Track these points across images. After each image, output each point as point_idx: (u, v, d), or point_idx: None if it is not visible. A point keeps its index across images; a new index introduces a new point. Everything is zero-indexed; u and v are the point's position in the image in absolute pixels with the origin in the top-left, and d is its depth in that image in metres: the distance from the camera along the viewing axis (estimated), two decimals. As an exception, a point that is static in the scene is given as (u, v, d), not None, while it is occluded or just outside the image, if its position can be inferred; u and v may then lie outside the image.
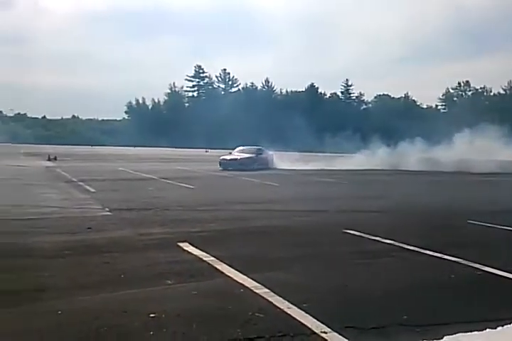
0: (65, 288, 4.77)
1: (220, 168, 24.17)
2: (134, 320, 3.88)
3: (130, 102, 77.82)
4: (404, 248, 6.69)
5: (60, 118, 78.29)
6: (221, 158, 25.59)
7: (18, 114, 77.17)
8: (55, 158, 28.84)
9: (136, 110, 77.28)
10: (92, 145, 50.09)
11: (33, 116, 77.24)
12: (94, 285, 4.86)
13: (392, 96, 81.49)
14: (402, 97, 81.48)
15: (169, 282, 4.96)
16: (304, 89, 79.00)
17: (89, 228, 7.81)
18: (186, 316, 3.99)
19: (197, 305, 4.29)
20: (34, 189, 13.59)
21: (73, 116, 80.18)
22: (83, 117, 79.31)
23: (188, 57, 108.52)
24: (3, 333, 3.66)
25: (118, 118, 79.02)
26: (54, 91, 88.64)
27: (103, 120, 78.81)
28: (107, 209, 9.97)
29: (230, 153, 26.58)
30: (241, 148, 27.14)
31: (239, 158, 25.18)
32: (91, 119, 78.98)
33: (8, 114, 75.79)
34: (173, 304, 4.28)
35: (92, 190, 13.43)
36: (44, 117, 77.96)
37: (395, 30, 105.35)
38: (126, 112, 78.93)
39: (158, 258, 5.94)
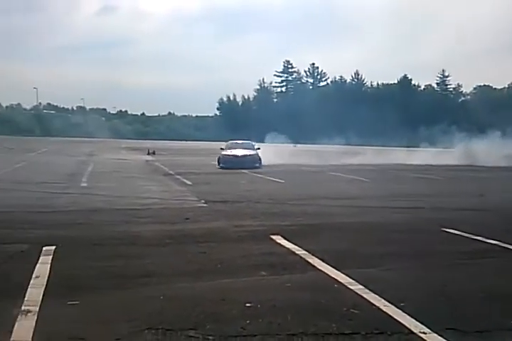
0: (166, 275, 5.08)
1: (220, 166, 20.72)
2: (232, 309, 4.03)
3: (222, 99, 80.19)
4: (510, 249, 6.25)
5: (157, 115, 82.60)
6: (223, 153, 21.36)
7: (120, 111, 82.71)
8: (154, 153, 30.48)
9: (227, 106, 79.32)
10: (186, 140, 52.34)
11: (133, 113, 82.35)
12: (193, 274, 5.11)
13: (493, 87, 75.74)
14: (505, 88, 75.44)
15: (263, 273, 5.09)
16: (396, 81, 76.12)
17: (187, 218, 8.22)
18: (281, 307, 4.07)
19: (291, 297, 4.35)
20: (136, 181, 14.54)
21: (169, 113, 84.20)
22: (178, 114, 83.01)
23: (277, 53, 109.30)
24: (116, 313, 3.99)
25: (210, 115, 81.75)
26: (152, 90, 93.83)
27: (197, 116, 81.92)
28: (202, 201, 10.41)
29: (222, 149, 22.20)
30: (238, 142, 23.28)
31: (248, 154, 21.34)
32: (186, 116, 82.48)
33: (111, 112, 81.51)
34: (268, 295, 4.39)
35: (189, 183, 14.06)
36: (143, 114, 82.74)
37: (495, 16, 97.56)
38: (217, 109, 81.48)
39: (252, 249, 6.11)
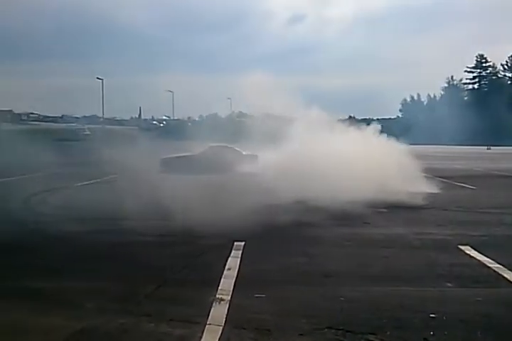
0: (347, 276, 5.14)
1: None
2: (414, 317, 3.90)
3: (405, 99, 77.19)
4: None
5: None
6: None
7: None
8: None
9: (411, 107, 75.86)
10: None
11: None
12: (374, 277, 5.08)
13: None
14: None
15: (449, 284, 4.79)
16: None
17: (366, 223, 8.17)
18: (470, 322, 3.79)
19: (482, 312, 4.01)
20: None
21: (349, 117, 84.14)
22: (359, 117, 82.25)
23: (467, 48, 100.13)
24: (298, 307, 4.20)
25: (392, 117, 79.13)
26: (336, 94, 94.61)
27: (378, 119, 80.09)
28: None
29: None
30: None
31: None
32: (366, 119, 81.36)
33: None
34: (454, 307, 4.13)
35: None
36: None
37: None
38: (400, 110, 78.53)
39: (436, 258, 5.79)
